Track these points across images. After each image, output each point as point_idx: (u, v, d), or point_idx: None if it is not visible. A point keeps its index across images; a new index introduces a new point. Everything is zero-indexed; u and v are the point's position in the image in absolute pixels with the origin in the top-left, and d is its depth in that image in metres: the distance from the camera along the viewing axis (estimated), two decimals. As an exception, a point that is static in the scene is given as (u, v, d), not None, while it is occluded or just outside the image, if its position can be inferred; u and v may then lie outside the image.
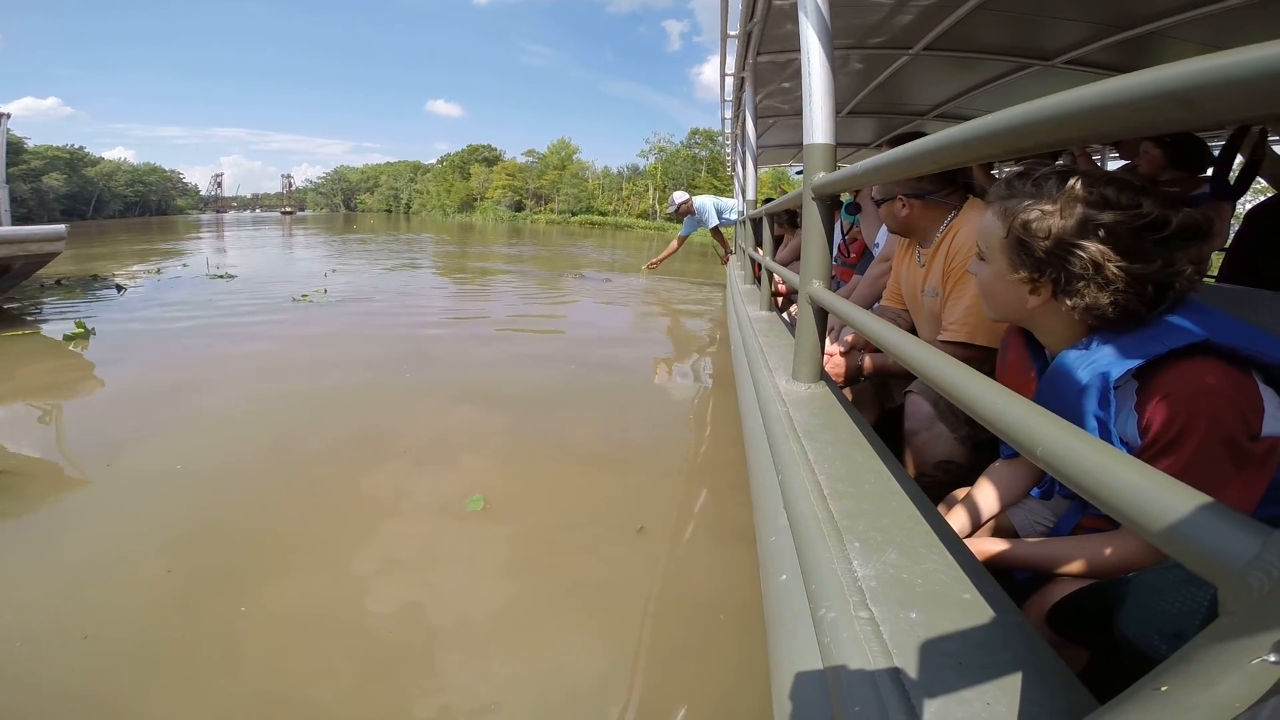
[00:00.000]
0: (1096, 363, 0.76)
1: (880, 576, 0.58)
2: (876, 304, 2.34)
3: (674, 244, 8.28)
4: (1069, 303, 0.77)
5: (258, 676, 1.38)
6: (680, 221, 8.03)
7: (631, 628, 1.58)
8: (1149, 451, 0.71)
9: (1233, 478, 0.68)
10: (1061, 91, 0.34)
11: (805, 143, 1.39)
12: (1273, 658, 0.24)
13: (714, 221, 7.52)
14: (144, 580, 1.69)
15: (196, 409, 3.02)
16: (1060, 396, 0.81)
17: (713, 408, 3.37)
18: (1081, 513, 0.91)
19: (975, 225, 1.54)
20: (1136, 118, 0.29)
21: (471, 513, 2.12)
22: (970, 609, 0.53)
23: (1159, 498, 0.30)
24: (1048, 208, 0.77)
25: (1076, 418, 0.78)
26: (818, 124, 1.36)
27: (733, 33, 3.27)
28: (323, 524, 2.04)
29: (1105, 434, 0.76)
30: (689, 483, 2.44)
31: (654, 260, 8.63)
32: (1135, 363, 0.72)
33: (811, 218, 1.37)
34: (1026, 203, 0.79)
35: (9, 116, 7.53)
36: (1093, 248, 0.73)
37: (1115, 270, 0.72)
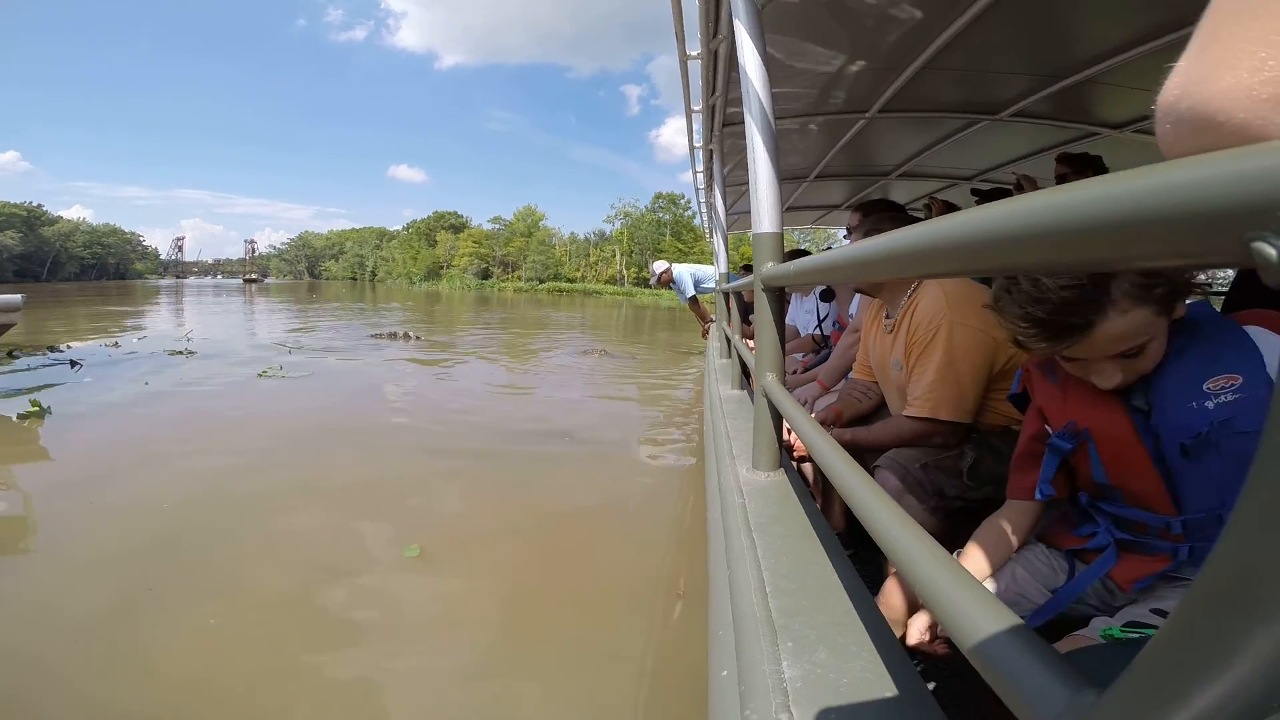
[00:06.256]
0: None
1: (807, 677, 0.63)
2: (848, 375, 2.40)
3: (694, 310, 7.85)
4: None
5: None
6: (669, 288, 7.81)
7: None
8: None
9: None
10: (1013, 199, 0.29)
11: (754, 232, 1.40)
12: None
13: (690, 293, 7.39)
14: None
15: (156, 486, 3.06)
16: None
17: (687, 489, 3.41)
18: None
19: (936, 298, 1.56)
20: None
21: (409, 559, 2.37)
22: (891, 708, 0.58)
23: (997, 633, 0.34)
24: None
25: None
26: (764, 214, 1.37)
27: (696, 107, 3.34)
28: (285, 578, 2.26)
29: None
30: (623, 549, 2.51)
31: (703, 330, 8.01)
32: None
33: (762, 308, 1.38)
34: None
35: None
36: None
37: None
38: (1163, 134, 0.26)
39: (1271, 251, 0.16)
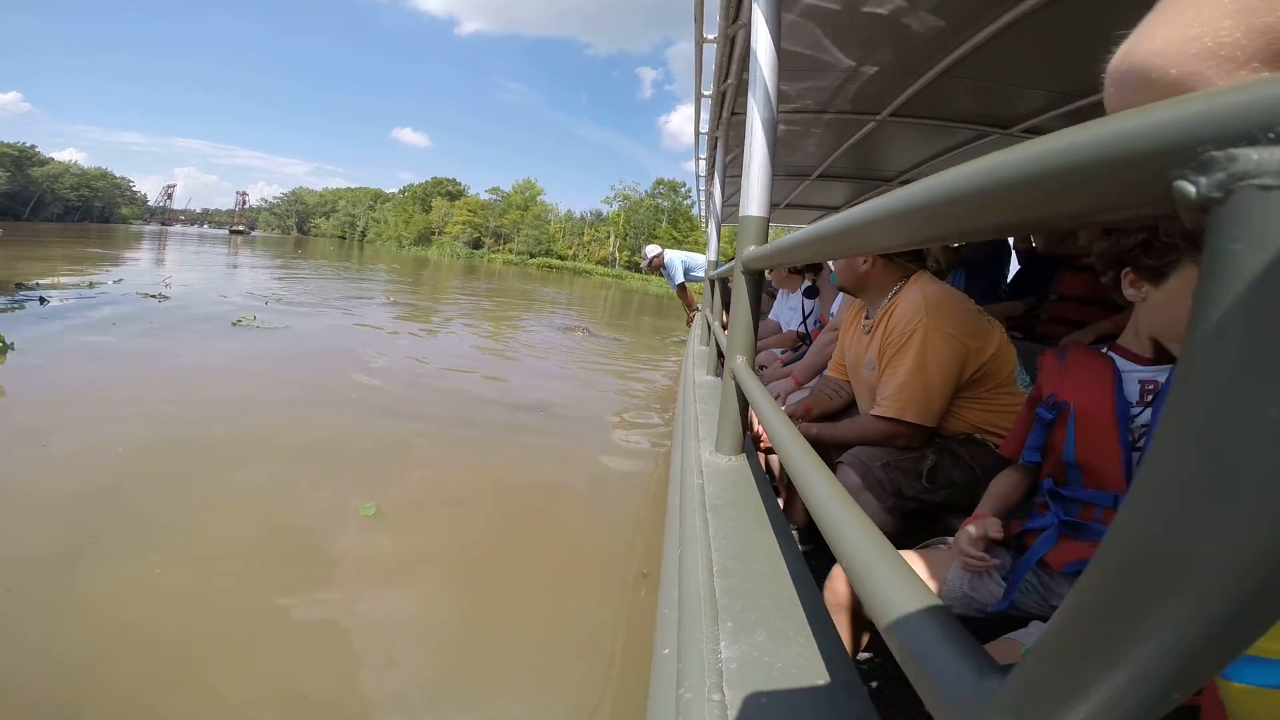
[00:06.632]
0: None
1: (743, 658, 0.63)
2: (822, 372, 2.40)
3: (681, 297, 7.58)
4: None
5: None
6: (658, 274, 7.63)
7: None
8: None
9: None
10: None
11: (741, 214, 1.40)
12: None
13: (679, 279, 7.17)
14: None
15: (113, 431, 2.99)
16: None
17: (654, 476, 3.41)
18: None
19: (915, 301, 1.56)
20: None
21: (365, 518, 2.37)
22: (821, 694, 0.58)
23: (916, 615, 0.34)
24: None
25: None
26: (754, 197, 1.36)
27: (707, 92, 3.31)
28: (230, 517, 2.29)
29: None
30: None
31: (688, 318, 7.64)
32: None
33: (740, 291, 1.38)
34: None
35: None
36: None
37: None
38: (1108, 99, 0.29)
39: (1190, 188, 0.16)
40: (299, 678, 1.54)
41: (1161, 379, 0.94)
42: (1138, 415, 0.94)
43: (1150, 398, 0.94)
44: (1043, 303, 2.90)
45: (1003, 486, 1.17)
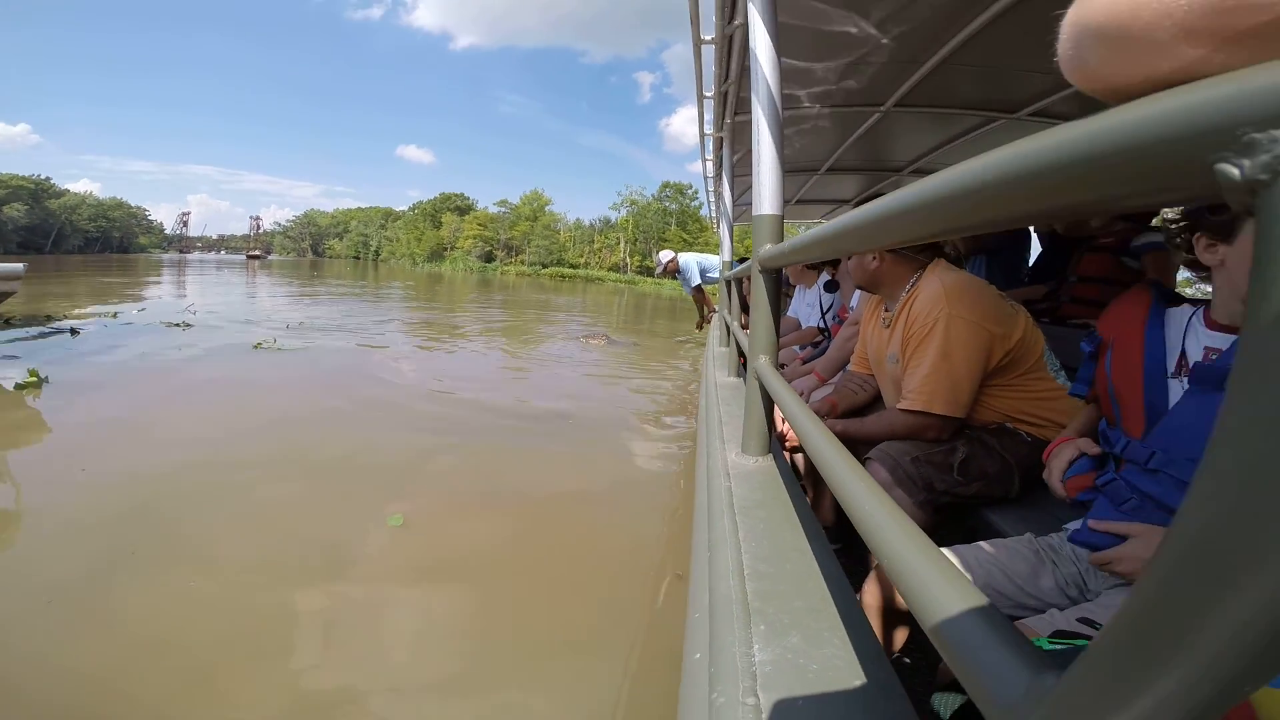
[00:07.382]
0: None
1: (777, 661, 0.62)
2: (845, 368, 2.38)
3: (697, 299, 7.69)
4: None
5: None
6: (673, 278, 7.63)
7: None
8: None
9: None
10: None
11: (754, 213, 1.38)
12: None
13: (696, 281, 7.20)
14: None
15: (149, 455, 3.07)
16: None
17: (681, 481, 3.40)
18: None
19: (934, 291, 1.54)
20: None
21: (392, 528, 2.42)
22: (857, 695, 0.57)
23: (962, 614, 0.33)
24: None
25: None
26: (766, 195, 1.35)
27: (708, 94, 3.29)
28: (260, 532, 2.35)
29: None
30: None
31: (700, 321, 7.91)
32: None
33: (759, 290, 1.36)
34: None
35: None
36: None
37: None
38: (1065, 62, 0.25)
39: (1234, 170, 0.16)
40: (319, 680, 1.58)
41: (1225, 346, 0.88)
42: (1179, 360, 0.90)
43: (1214, 358, 0.88)
44: (1063, 285, 2.88)
45: (1082, 412, 1.19)
